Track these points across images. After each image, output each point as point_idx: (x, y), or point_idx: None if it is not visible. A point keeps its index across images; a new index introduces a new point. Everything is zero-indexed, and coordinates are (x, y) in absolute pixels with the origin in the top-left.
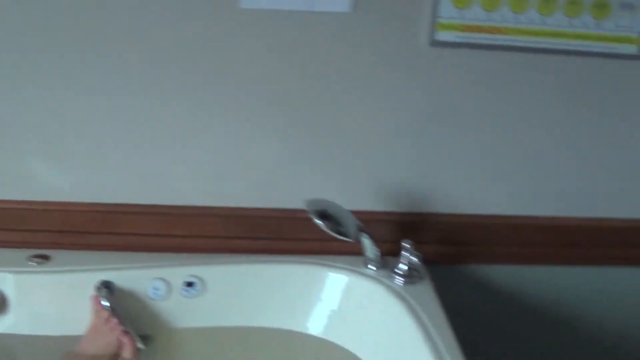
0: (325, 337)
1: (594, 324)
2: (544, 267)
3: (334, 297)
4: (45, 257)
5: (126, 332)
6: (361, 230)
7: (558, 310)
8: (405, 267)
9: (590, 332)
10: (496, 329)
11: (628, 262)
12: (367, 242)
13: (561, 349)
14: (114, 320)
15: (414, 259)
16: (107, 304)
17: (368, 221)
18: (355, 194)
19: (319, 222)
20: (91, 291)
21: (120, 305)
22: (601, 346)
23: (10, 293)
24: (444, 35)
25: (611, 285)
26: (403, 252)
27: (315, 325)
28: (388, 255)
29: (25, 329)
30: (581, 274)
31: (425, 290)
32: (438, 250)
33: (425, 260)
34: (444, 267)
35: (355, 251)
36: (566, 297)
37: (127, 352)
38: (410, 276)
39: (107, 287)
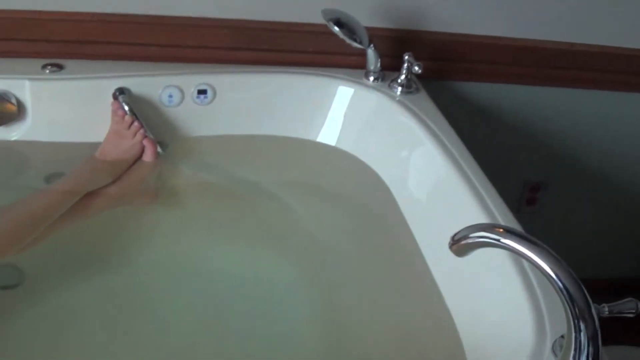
0: (334, 144)
1: (557, 140)
2: (523, 87)
3: (342, 107)
4: (59, 66)
5: (147, 136)
6: (370, 40)
7: (533, 127)
8: (404, 78)
9: (552, 146)
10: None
11: (596, 86)
12: (372, 53)
13: (531, 162)
14: (136, 124)
15: (416, 68)
16: (128, 108)
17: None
18: (354, 9)
19: (335, 28)
20: (108, 98)
21: (137, 111)
22: (560, 159)
23: (27, 100)
24: None
25: (578, 105)
26: (405, 63)
27: (324, 133)
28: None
29: (42, 136)
30: (554, 94)
31: (424, 99)
32: (430, 66)
33: (417, 75)
34: (434, 82)
35: (354, 65)
36: (540, 115)
37: (147, 156)
38: (409, 87)
39: (123, 94)
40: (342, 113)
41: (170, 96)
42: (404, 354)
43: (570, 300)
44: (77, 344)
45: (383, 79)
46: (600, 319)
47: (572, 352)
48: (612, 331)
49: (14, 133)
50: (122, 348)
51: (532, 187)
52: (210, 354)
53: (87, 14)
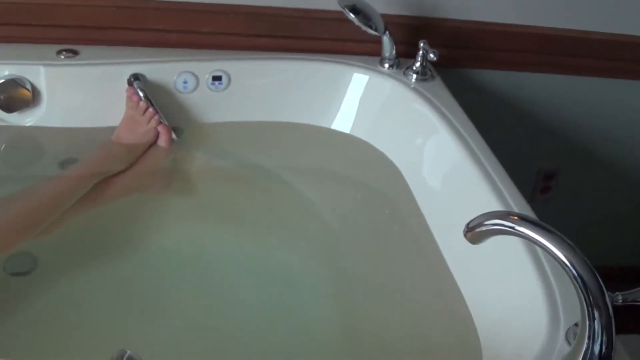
0: (349, 132)
1: (571, 128)
2: (538, 75)
3: (357, 94)
4: (74, 52)
5: (162, 122)
6: (385, 27)
7: (547, 115)
8: (419, 66)
9: (566, 134)
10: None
11: (611, 75)
12: (387, 40)
13: (546, 150)
14: (151, 110)
15: (431, 56)
16: (143, 94)
17: None
18: None
19: (351, 15)
20: (122, 84)
21: (152, 97)
22: (574, 148)
23: (42, 85)
24: None
25: (593, 94)
26: (420, 51)
27: (339, 120)
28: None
29: (57, 122)
30: (569, 82)
31: (439, 87)
32: (445, 53)
33: (432, 62)
34: (449, 69)
35: (369, 52)
36: (555, 103)
37: (162, 142)
38: (424, 74)
39: (138, 80)
40: (357, 100)
41: (185, 82)
42: (418, 341)
43: (584, 288)
44: (89, 330)
45: (398, 66)
46: (614, 307)
47: (586, 340)
48: (626, 321)
49: (29, 119)
50: (135, 334)
51: (546, 175)
52: (223, 339)
53: None
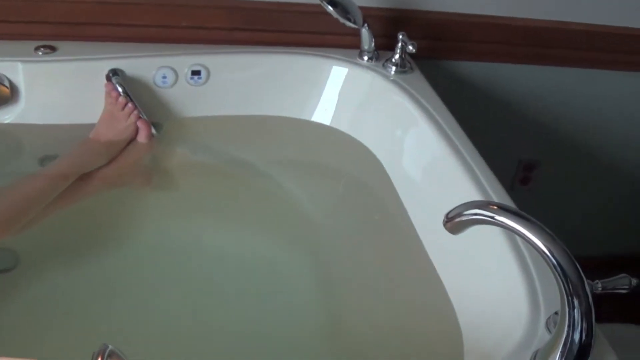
0: (329, 124)
1: (550, 119)
2: (516, 66)
3: (336, 87)
4: (51, 48)
5: (141, 117)
6: (364, 20)
7: (527, 106)
8: (398, 58)
9: (545, 125)
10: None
11: (589, 65)
12: (366, 33)
13: (525, 141)
14: (130, 106)
15: (410, 48)
16: (122, 89)
17: None
18: None
19: (329, 8)
20: (101, 80)
21: (131, 93)
22: (553, 138)
23: (20, 82)
24: None
25: (572, 85)
26: (399, 43)
27: (319, 113)
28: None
29: (36, 118)
30: (548, 73)
31: (418, 78)
32: (424, 45)
33: (411, 54)
34: (428, 61)
35: (348, 45)
36: (534, 94)
37: (142, 137)
38: (403, 66)
39: (117, 75)
40: (337, 92)
41: (164, 77)
42: (400, 331)
43: (564, 276)
44: (72, 326)
45: (377, 59)
46: (594, 295)
47: (566, 328)
48: (606, 310)
49: (7, 116)
50: (118, 330)
51: (526, 166)
52: (207, 333)
53: None
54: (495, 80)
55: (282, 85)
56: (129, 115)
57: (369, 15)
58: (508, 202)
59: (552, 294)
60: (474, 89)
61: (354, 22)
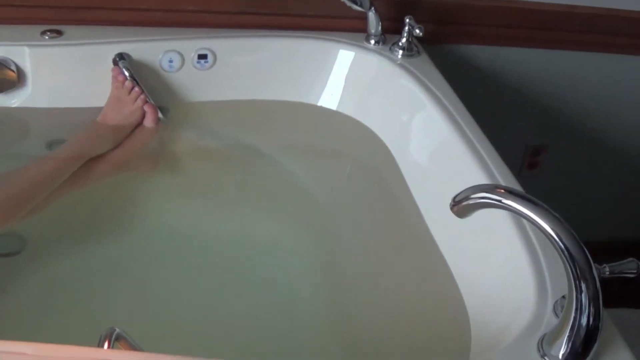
0: (335, 108)
1: (558, 103)
2: (524, 49)
3: (343, 71)
4: (58, 32)
5: (148, 102)
6: (371, 3)
7: (534, 90)
8: (405, 41)
9: (553, 109)
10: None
11: (597, 49)
12: (372, 17)
13: (533, 126)
14: (137, 90)
15: (417, 31)
16: (128, 74)
17: None
18: None
19: None
20: (108, 64)
21: (137, 77)
22: (561, 123)
23: (27, 66)
24: None
25: (580, 68)
26: (406, 26)
27: (326, 97)
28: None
29: (43, 102)
30: (555, 56)
31: (425, 62)
32: (431, 29)
33: (418, 38)
34: (435, 45)
35: (355, 28)
36: (542, 78)
37: (148, 121)
38: (410, 50)
39: (123, 59)
40: (343, 77)
41: (171, 61)
42: (407, 316)
43: (571, 260)
44: (78, 310)
45: (384, 43)
46: (601, 279)
47: (573, 312)
48: (614, 294)
49: (14, 100)
50: (125, 314)
51: (533, 150)
52: (213, 317)
53: None
54: (503, 64)
55: (288, 69)
56: (136, 99)
57: None
58: (516, 186)
59: (560, 278)
60: (481, 73)
61: (361, 6)
